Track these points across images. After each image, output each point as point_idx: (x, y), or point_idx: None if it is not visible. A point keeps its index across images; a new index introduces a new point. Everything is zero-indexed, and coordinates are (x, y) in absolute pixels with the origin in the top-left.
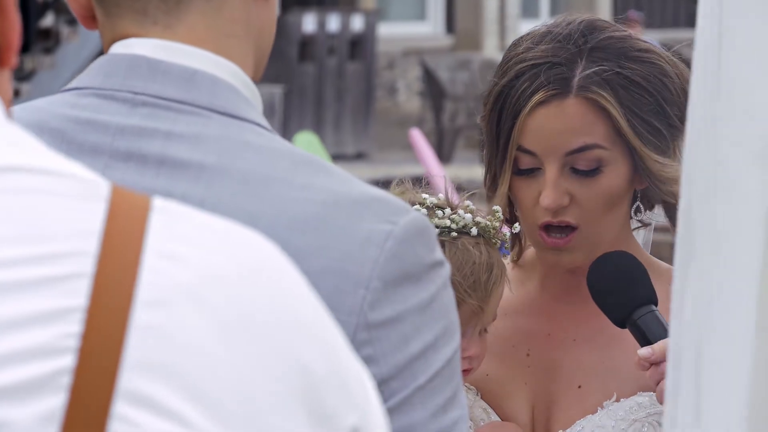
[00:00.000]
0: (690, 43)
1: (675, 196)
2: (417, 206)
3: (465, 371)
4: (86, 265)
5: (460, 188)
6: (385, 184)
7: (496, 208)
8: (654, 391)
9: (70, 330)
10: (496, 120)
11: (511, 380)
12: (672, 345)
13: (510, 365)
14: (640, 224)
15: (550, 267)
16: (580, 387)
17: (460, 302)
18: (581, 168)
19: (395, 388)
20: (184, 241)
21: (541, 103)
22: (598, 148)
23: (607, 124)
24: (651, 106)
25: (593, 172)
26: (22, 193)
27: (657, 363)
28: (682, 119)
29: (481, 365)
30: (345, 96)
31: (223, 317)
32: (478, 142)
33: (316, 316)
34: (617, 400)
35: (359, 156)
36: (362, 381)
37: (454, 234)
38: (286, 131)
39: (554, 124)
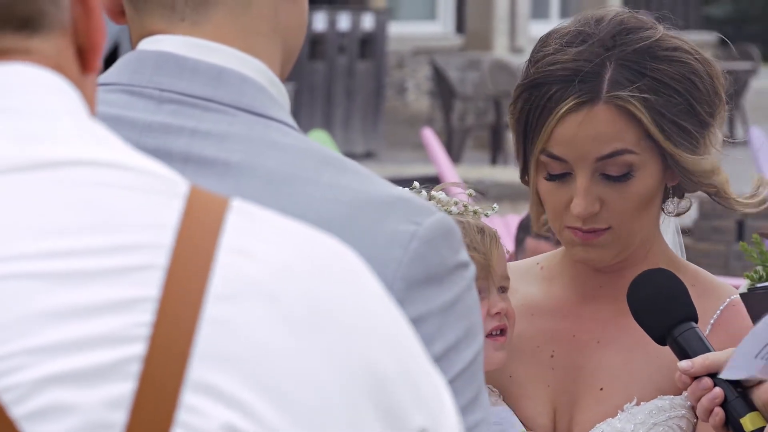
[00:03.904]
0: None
1: (714, 186)
2: None
3: (502, 331)
4: (160, 257)
5: (480, 192)
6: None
7: (495, 206)
8: (674, 395)
9: (142, 319)
10: (524, 119)
11: (533, 382)
12: None
13: (533, 367)
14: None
15: (579, 264)
16: (601, 389)
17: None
18: (612, 173)
19: None
20: (258, 239)
21: (570, 111)
22: (628, 153)
23: (637, 128)
24: (681, 106)
25: (624, 177)
26: (103, 186)
27: (698, 378)
28: (712, 115)
29: (505, 367)
30: (355, 95)
31: (293, 312)
32: (487, 143)
33: (388, 315)
34: (638, 404)
35: (368, 155)
36: (435, 385)
37: None
38: None
39: (585, 131)
